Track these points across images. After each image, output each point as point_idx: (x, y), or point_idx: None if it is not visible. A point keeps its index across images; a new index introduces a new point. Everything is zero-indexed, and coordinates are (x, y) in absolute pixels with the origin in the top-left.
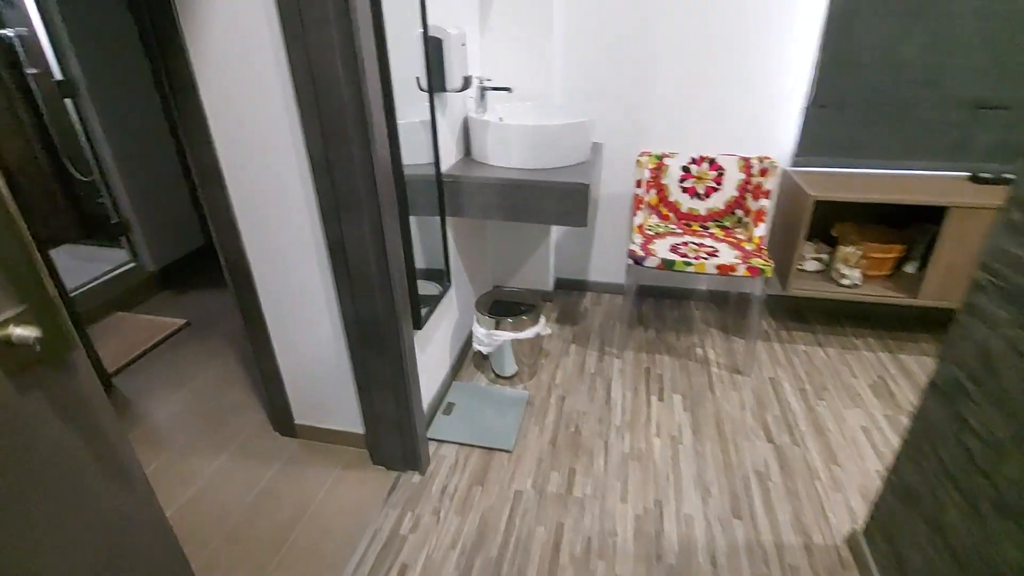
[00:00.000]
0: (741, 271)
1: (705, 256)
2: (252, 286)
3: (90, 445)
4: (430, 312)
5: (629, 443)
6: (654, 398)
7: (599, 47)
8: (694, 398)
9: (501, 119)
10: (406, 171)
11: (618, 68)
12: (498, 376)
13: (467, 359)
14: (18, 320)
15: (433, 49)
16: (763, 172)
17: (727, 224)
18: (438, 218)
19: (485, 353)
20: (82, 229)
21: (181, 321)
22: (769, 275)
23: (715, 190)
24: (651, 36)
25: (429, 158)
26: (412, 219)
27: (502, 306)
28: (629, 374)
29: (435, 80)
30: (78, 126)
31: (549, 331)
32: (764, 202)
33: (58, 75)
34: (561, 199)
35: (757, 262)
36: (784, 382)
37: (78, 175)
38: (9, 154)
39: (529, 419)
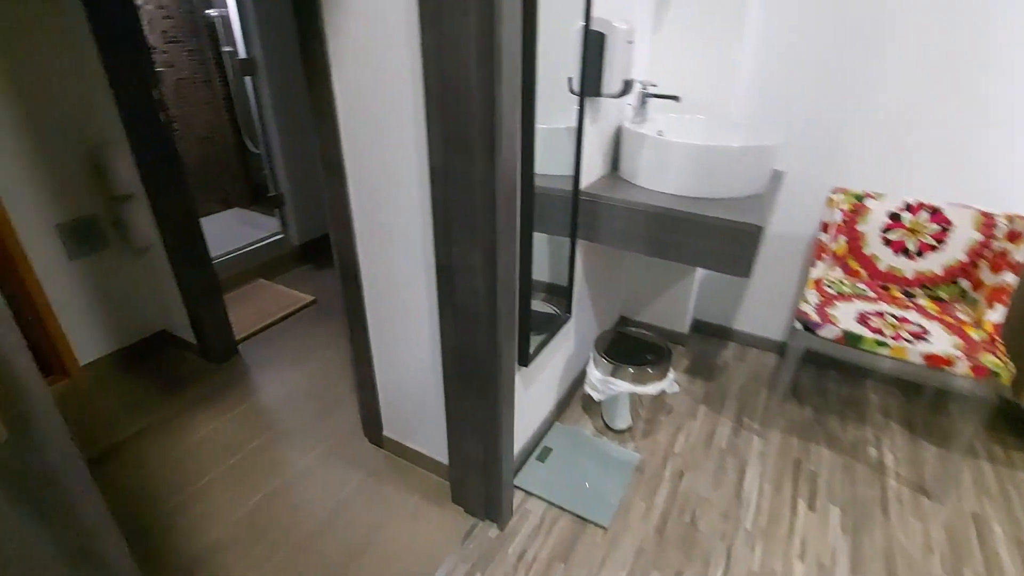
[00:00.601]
0: (961, 369)
1: (908, 338)
2: (359, 287)
3: (56, 535)
4: (543, 345)
5: (760, 558)
6: (802, 503)
7: (802, 53)
8: (858, 517)
9: (661, 133)
10: (538, 182)
11: (823, 80)
12: (608, 427)
13: (575, 398)
14: None
15: (593, 46)
16: (1013, 236)
17: (943, 296)
18: (568, 239)
19: (596, 399)
20: (249, 196)
21: (310, 298)
22: (1006, 382)
23: (933, 249)
24: (877, 44)
25: (568, 170)
26: (537, 236)
27: (625, 346)
28: (772, 462)
29: (590, 82)
30: (253, 103)
31: (677, 389)
32: (1008, 277)
33: (242, 54)
34: (723, 240)
35: (988, 360)
36: (994, 522)
37: (251, 147)
38: (200, 121)
39: (635, 490)
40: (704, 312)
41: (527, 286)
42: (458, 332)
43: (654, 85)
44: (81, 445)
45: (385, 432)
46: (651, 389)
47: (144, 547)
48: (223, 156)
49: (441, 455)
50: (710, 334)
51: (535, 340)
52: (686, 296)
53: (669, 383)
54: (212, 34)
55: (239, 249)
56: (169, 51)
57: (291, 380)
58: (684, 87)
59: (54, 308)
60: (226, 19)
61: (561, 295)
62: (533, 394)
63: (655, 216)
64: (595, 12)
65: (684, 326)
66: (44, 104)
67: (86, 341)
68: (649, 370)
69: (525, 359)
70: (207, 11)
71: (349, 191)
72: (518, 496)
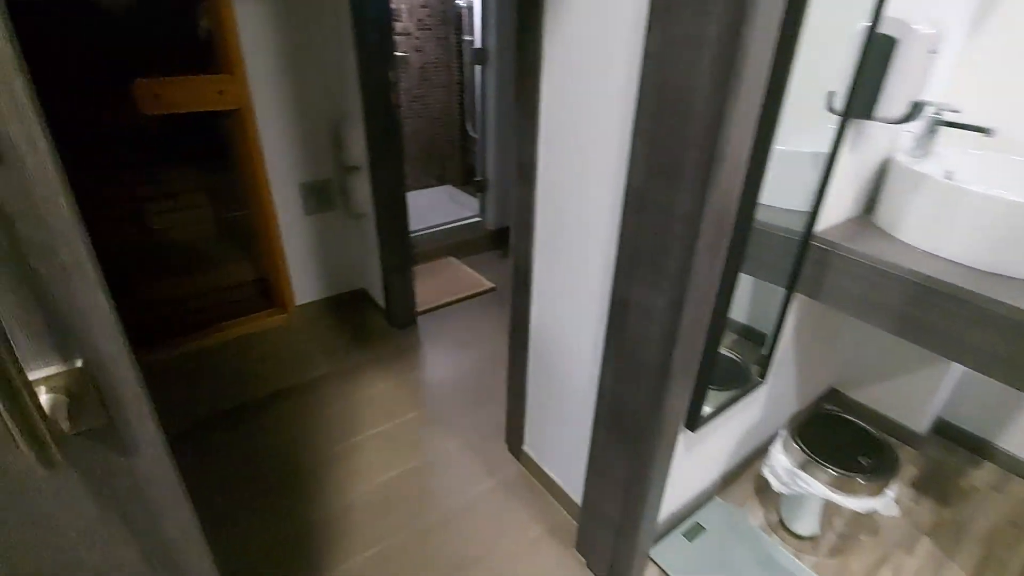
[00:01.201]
0: None
1: None
2: (528, 295)
3: (134, 537)
4: (721, 409)
5: None
6: None
7: None
8: None
9: (950, 175)
10: (759, 214)
11: None
12: (783, 526)
13: (748, 472)
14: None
15: (876, 54)
16: None
17: None
18: (781, 289)
19: (775, 489)
20: (461, 176)
21: (490, 285)
22: None
23: None
24: None
25: (802, 205)
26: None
27: (830, 432)
28: None
29: (861, 101)
30: (479, 91)
31: (896, 512)
32: None
33: (477, 43)
34: (1013, 338)
35: None
36: None
37: (471, 131)
38: (436, 103)
39: None
40: (955, 412)
41: (715, 341)
42: (619, 378)
43: (954, 111)
44: (278, 377)
45: (525, 446)
46: (857, 504)
47: (295, 489)
48: (447, 136)
49: (576, 493)
50: (958, 443)
51: (712, 398)
52: (932, 384)
53: (886, 503)
54: (458, 23)
55: (439, 225)
56: (421, 37)
57: (455, 362)
58: (1001, 116)
59: (286, 253)
60: (471, 9)
61: (756, 348)
62: (695, 459)
63: (918, 287)
64: (888, 10)
65: (921, 424)
66: (310, 80)
67: (303, 285)
68: (860, 479)
69: (694, 423)
70: (457, 1)
71: (536, 196)
72: (650, 570)
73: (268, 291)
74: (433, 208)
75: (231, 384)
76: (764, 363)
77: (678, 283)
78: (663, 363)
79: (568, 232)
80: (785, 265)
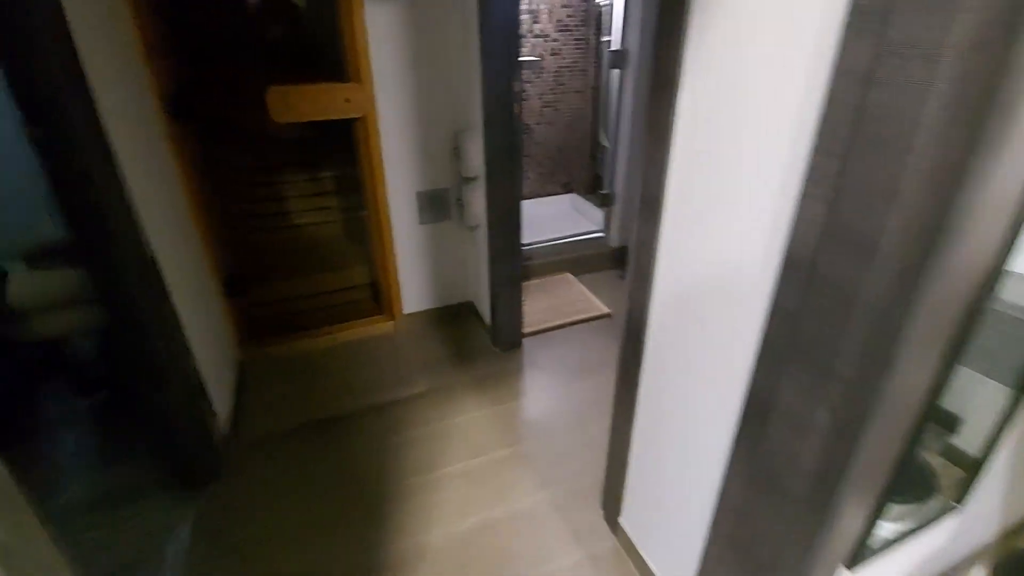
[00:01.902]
0: None
1: None
2: (639, 354)
3: None
4: (894, 541)
5: None
6: None
7: None
8: None
9: None
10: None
11: None
12: None
13: None
14: None
15: None
16: None
17: None
18: (1007, 389)
19: None
20: (588, 186)
21: (605, 310)
22: None
23: None
24: None
25: None
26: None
27: None
28: None
29: None
30: (614, 96)
31: None
32: None
33: (616, 45)
34: None
35: None
36: None
37: (603, 140)
38: (569, 108)
39: None
40: None
41: (901, 469)
42: (749, 494)
43: None
44: (376, 390)
45: (622, 519)
46: None
47: (371, 517)
48: (578, 144)
49: None
50: None
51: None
52: None
53: None
54: (598, 24)
55: (559, 238)
56: (559, 39)
57: (557, 396)
58: None
59: (398, 260)
60: (612, 8)
61: (942, 435)
62: None
63: None
64: None
65: None
66: (434, 90)
67: (412, 294)
68: None
69: (855, 558)
70: (598, 0)
71: (660, 236)
72: None
73: (378, 297)
74: (554, 219)
75: (332, 392)
76: (966, 486)
77: (853, 398)
78: (816, 497)
79: (698, 290)
80: (1016, 359)
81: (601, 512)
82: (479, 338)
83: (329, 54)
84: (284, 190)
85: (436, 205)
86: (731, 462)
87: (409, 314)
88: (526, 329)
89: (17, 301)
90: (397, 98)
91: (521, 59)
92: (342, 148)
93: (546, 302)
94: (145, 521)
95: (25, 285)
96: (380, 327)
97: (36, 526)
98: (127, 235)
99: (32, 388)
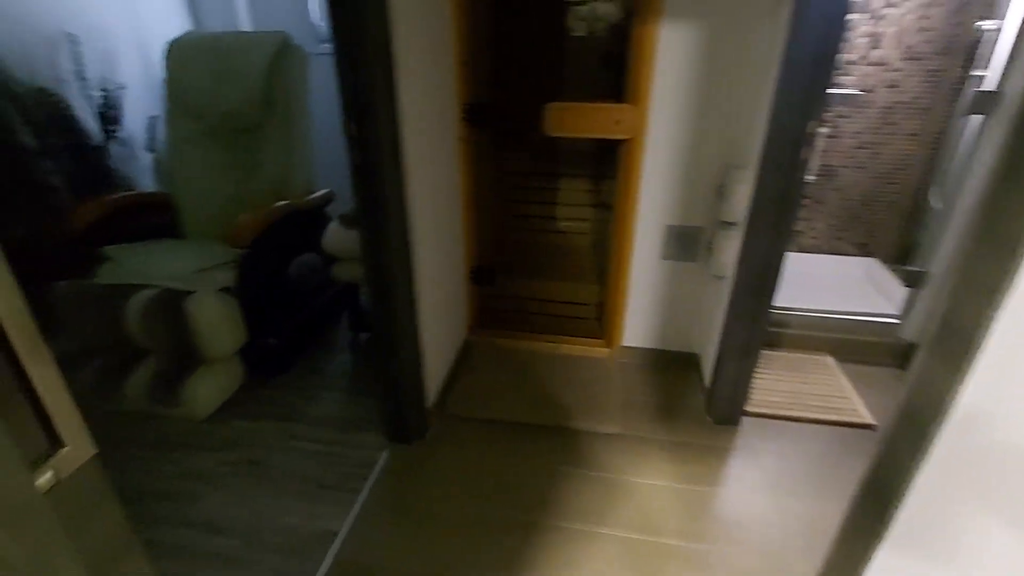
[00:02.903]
0: None
1: None
2: (886, 510)
3: None
4: None
5: None
6: None
7: None
8: None
9: None
10: None
11: None
12: None
13: None
14: None
15: None
16: None
17: None
18: None
19: None
20: (893, 254)
21: (868, 420)
22: None
23: None
24: None
25: None
26: None
27: None
28: None
29: None
30: (964, 148)
31: None
32: None
33: (990, 85)
34: None
35: None
36: None
37: (933, 202)
38: (893, 154)
39: None
40: None
41: None
42: None
43: None
44: (570, 413)
45: None
46: None
47: (519, 558)
48: (892, 198)
49: None
50: None
51: None
52: None
53: None
54: (969, 54)
55: (831, 311)
56: (903, 70)
57: (765, 505)
58: None
59: (629, 289)
60: (999, 36)
61: None
62: None
63: None
64: None
65: None
66: (710, 119)
67: (636, 327)
68: None
69: None
70: (980, 23)
71: (966, 373)
72: None
73: (602, 319)
74: (834, 284)
75: (534, 399)
76: None
77: None
78: None
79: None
80: None
81: None
82: (692, 399)
83: (611, 72)
84: (548, 195)
85: (684, 243)
86: None
87: (627, 347)
88: (751, 407)
89: (329, 247)
90: (669, 123)
91: (833, 92)
92: (610, 163)
93: (788, 384)
94: (360, 450)
95: (335, 237)
96: (596, 350)
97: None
98: (395, 219)
99: (331, 317)
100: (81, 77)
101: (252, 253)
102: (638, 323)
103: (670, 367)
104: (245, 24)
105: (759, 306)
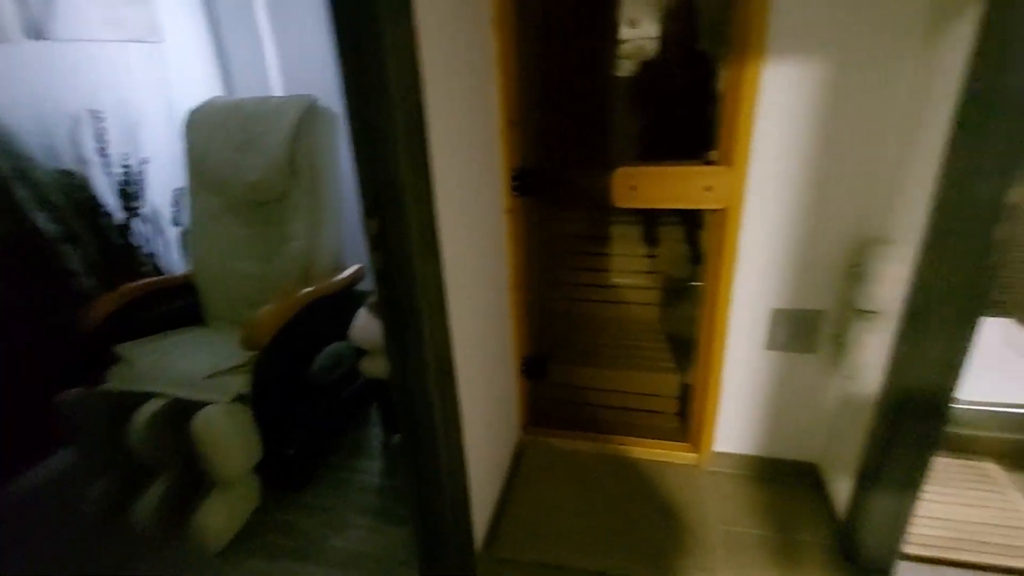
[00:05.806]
0: None
1: None
2: None
3: None
4: None
5: None
6: None
7: None
8: None
9: None
10: None
11: None
12: None
13: None
14: None
15: None
16: None
17: None
18: None
19: None
20: None
21: None
22: None
23: None
24: None
25: None
26: None
27: None
28: None
29: None
30: None
31: None
32: None
33: None
34: None
35: None
36: None
37: None
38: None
39: None
40: None
41: None
42: None
43: None
44: (656, 550)
45: None
46: None
47: None
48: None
49: None
50: None
51: None
52: None
53: None
54: None
55: (983, 405)
56: None
57: None
58: None
59: (723, 384)
60: None
61: None
62: None
63: None
64: None
65: None
66: (834, 183)
67: (731, 428)
68: None
69: None
70: None
71: None
72: None
73: (686, 417)
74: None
75: (603, 530)
76: None
77: None
78: None
79: None
80: None
81: None
82: (816, 528)
83: (695, 128)
84: (609, 263)
85: (798, 330)
86: None
87: (721, 453)
88: (911, 549)
89: (357, 339)
90: (775, 188)
91: None
92: (691, 227)
93: (949, 506)
94: None
95: (364, 328)
96: (681, 456)
97: None
98: (431, 332)
99: (359, 413)
100: (104, 154)
101: (268, 357)
102: (733, 423)
103: (779, 480)
104: (278, 89)
105: (928, 429)
